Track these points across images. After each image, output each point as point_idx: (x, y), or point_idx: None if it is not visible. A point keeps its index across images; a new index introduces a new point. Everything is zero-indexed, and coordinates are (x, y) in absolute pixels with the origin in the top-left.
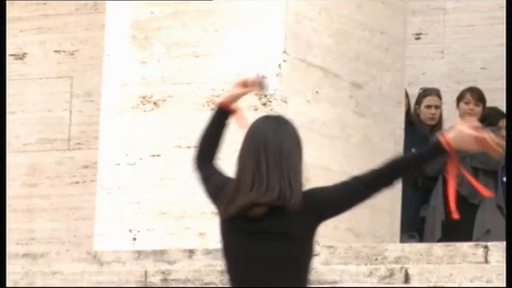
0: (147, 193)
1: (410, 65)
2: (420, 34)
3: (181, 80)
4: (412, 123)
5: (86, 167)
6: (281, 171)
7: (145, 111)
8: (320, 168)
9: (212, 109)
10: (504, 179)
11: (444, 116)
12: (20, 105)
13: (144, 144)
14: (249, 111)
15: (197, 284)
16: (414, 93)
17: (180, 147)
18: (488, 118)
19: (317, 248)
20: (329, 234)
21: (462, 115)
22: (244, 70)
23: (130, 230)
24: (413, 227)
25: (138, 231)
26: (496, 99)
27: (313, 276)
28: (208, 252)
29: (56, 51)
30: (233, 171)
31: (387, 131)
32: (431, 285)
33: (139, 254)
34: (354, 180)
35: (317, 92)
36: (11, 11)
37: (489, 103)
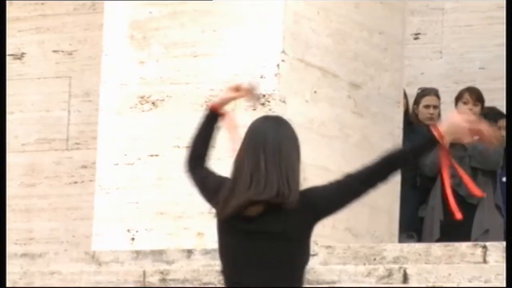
0: (146, 193)
1: (408, 65)
2: (419, 34)
3: (179, 80)
4: (411, 123)
5: (84, 167)
6: (280, 171)
7: (143, 111)
8: (319, 168)
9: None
10: (503, 179)
11: (443, 116)
12: (19, 105)
13: (143, 144)
14: (247, 111)
15: (196, 284)
16: (412, 93)
17: (179, 147)
18: (487, 118)
19: (315, 248)
20: (327, 234)
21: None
22: (243, 70)
23: (128, 230)
24: (412, 227)
25: (137, 231)
26: (495, 99)
27: (311, 276)
28: (206, 252)
29: (54, 51)
30: (229, 171)
31: (385, 131)
32: (430, 285)
33: (138, 254)
34: (349, 178)
35: (315, 92)
36: (9, 11)
37: (487, 103)
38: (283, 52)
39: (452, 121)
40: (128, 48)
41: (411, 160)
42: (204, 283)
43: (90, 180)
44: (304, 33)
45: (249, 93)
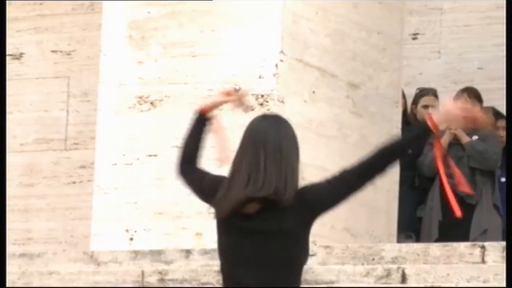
0: (144, 193)
1: (407, 65)
2: (417, 34)
3: (177, 80)
4: (409, 123)
5: (83, 167)
6: (279, 170)
7: (142, 111)
8: (317, 168)
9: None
10: (502, 179)
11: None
12: (17, 105)
13: (141, 144)
14: (246, 111)
15: (194, 284)
16: (411, 93)
17: (177, 147)
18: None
19: (314, 248)
20: (326, 234)
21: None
22: (241, 70)
23: (127, 230)
24: (410, 227)
25: (135, 231)
26: (493, 99)
27: (310, 276)
28: (205, 252)
29: (53, 51)
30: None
31: (384, 131)
32: (428, 285)
33: (136, 254)
34: (346, 172)
35: (314, 92)
36: (8, 11)
37: (486, 103)
38: (282, 52)
39: (446, 109)
40: (126, 48)
41: (406, 150)
42: (203, 283)
43: (89, 180)
44: (302, 33)
45: (240, 100)
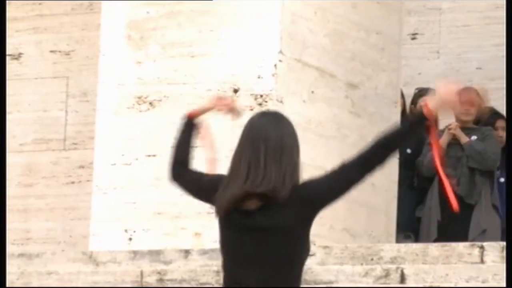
0: (143, 193)
1: (405, 65)
2: (416, 34)
3: (176, 80)
4: None
5: (82, 167)
6: (280, 167)
7: (140, 111)
8: (316, 168)
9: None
10: (501, 179)
11: (440, 116)
12: (16, 105)
13: (140, 144)
14: (244, 111)
15: (193, 284)
16: (409, 93)
17: None
18: (485, 118)
19: (313, 248)
20: (325, 234)
21: (458, 116)
22: (240, 70)
23: (125, 230)
24: (409, 227)
25: (134, 231)
26: (492, 99)
27: (309, 276)
28: (204, 252)
29: (51, 51)
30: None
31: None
32: (427, 285)
33: (135, 254)
34: (345, 166)
35: (313, 92)
36: (7, 11)
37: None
38: (281, 52)
39: (441, 94)
40: (125, 48)
41: (405, 138)
42: (202, 283)
43: (88, 180)
44: (301, 33)
45: (231, 106)
